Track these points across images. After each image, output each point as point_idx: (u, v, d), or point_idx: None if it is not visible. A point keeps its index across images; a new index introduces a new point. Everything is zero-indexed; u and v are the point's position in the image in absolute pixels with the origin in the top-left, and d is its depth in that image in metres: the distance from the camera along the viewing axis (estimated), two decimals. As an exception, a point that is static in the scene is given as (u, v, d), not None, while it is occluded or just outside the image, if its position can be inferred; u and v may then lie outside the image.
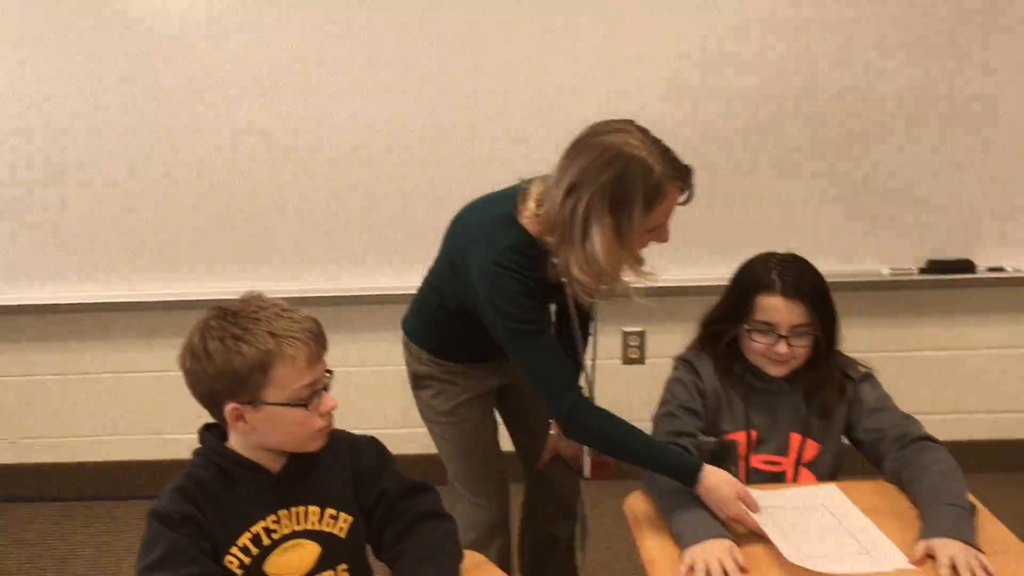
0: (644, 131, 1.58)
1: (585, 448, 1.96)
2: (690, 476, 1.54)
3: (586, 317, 1.99)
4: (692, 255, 2.76)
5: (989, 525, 1.56)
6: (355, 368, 2.90)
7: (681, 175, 1.58)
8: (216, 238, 2.75)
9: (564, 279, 1.65)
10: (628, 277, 1.63)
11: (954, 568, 1.39)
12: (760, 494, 1.63)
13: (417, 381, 1.95)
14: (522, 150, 2.61)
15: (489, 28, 2.58)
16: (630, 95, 2.62)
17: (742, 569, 1.40)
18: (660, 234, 1.62)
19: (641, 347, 2.94)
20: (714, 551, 1.41)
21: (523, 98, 2.63)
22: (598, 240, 1.53)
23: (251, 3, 2.54)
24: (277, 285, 2.72)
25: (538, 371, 1.65)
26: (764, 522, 1.51)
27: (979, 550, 1.43)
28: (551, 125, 2.61)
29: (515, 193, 1.70)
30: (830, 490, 1.66)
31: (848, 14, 2.58)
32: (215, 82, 2.61)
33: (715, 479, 1.54)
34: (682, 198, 1.61)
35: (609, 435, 1.63)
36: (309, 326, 1.35)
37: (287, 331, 1.31)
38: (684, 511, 1.50)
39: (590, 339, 2.03)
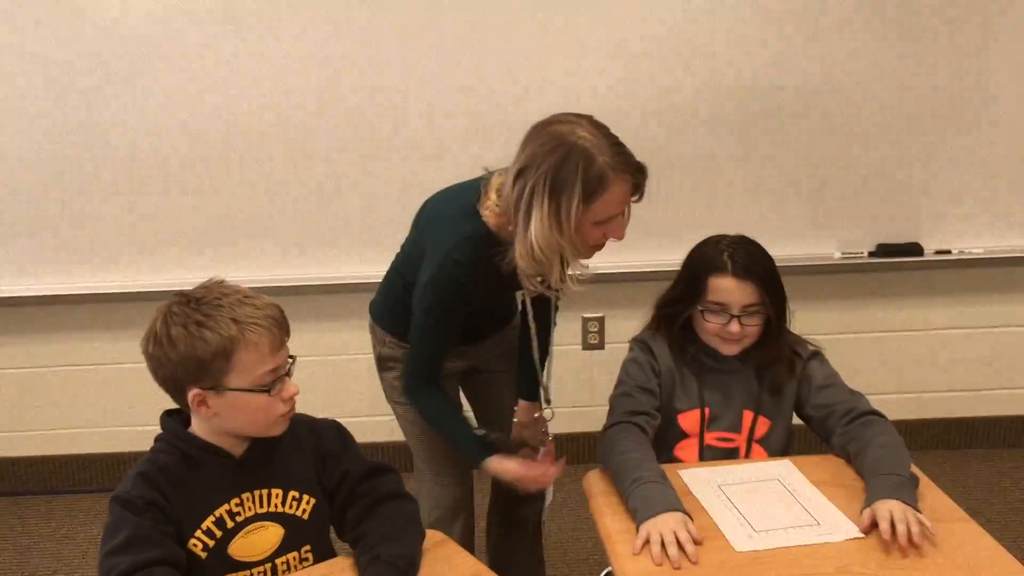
0: (598, 124, 1.61)
1: (540, 456, 2.00)
2: (481, 456, 1.83)
3: (548, 305, 2.00)
4: (649, 241, 2.80)
5: (935, 496, 1.62)
6: (323, 356, 2.92)
7: (630, 170, 1.60)
8: (181, 228, 2.73)
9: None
10: (572, 269, 1.67)
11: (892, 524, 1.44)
12: (717, 470, 1.69)
13: (382, 363, 1.98)
14: (488, 141, 2.63)
15: (458, 21, 2.59)
16: (589, 84, 2.65)
17: (695, 541, 1.45)
18: (613, 229, 1.64)
19: (600, 332, 2.98)
20: (668, 523, 1.45)
21: (491, 90, 2.64)
22: (535, 225, 1.57)
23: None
24: (243, 274, 2.72)
25: (417, 350, 1.81)
26: (716, 507, 1.56)
27: (918, 511, 1.48)
28: (517, 117, 2.64)
29: (479, 183, 1.73)
30: (784, 464, 1.71)
31: (799, 6, 2.63)
32: (181, 71, 2.59)
33: (495, 466, 1.81)
34: (634, 197, 1.65)
35: (434, 419, 1.87)
36: (272, 312, 1.37)
37: (250, 317, 1.33)
38: (639, 486, 1.54)
39: (553, 328, 2.06)
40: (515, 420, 2.04)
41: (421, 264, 1.76)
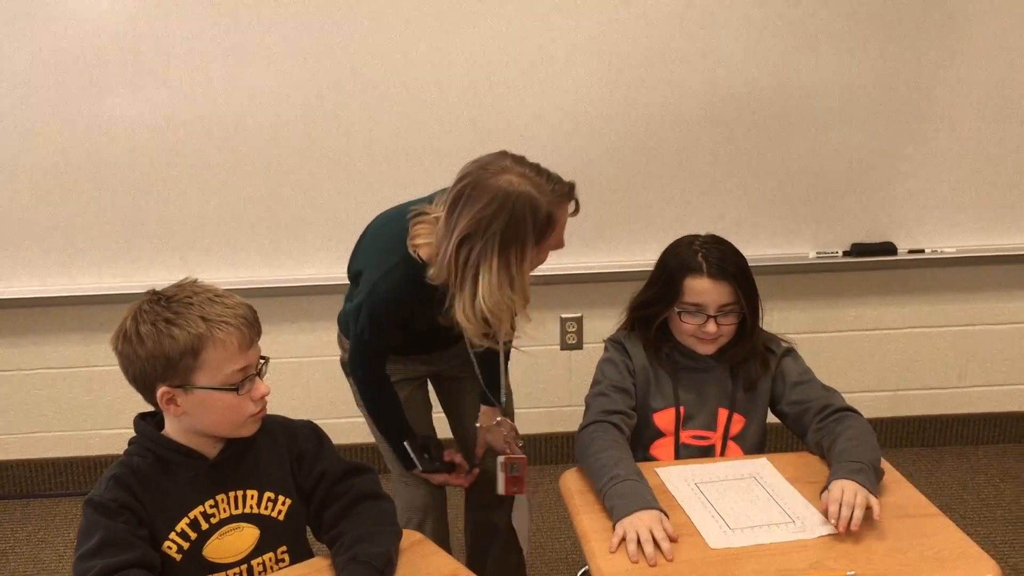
0: (521, 161, 1.63)
1: (499, 465, 2.01)
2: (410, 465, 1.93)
3: None
4: (625, 240, 2.82)
5: (906, 491, 1.64)
6: (300, 358, 2.91)
7: (568, 197, 1.63)
8: (156, 231, 2.72)
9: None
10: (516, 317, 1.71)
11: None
12: (693, 468, 1.70)
13: (346, 369, 1.98)
14: (456, 143, 2.63)
15: (423, 16, 2.60)
16: (569, 84, 2.66)
17: (671, 538, 1.46)
18: (554, 245, 1.69)
19: (579, 332, 2.99)
20: (644, 521, 1.46)
21: (461, 89, 2.65)
22: (484, 288, 1.59)
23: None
24: (220, 275, 2.70)
25: (358, 359, 1.87)
26: (692, 504, 1.57)
27: (871, 491, 1.50)
28: (487, 116, 2.67)
29: (414, 213, 1.75)
30: (760, 462, 1.72)
31: (773, 11, 2.65)
32: (157, 73, 2.58)
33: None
34: (571, 210, 1.68)
35: (375, 411, 1.92)
36: (242, 312, 1.37)
37: (219, 316, 1.33)
38: (615, 485, 1.55)
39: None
40: (477, 425, 2.05)
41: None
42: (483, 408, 2.05)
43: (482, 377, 1.98)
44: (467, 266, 1.60)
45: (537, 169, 1.62)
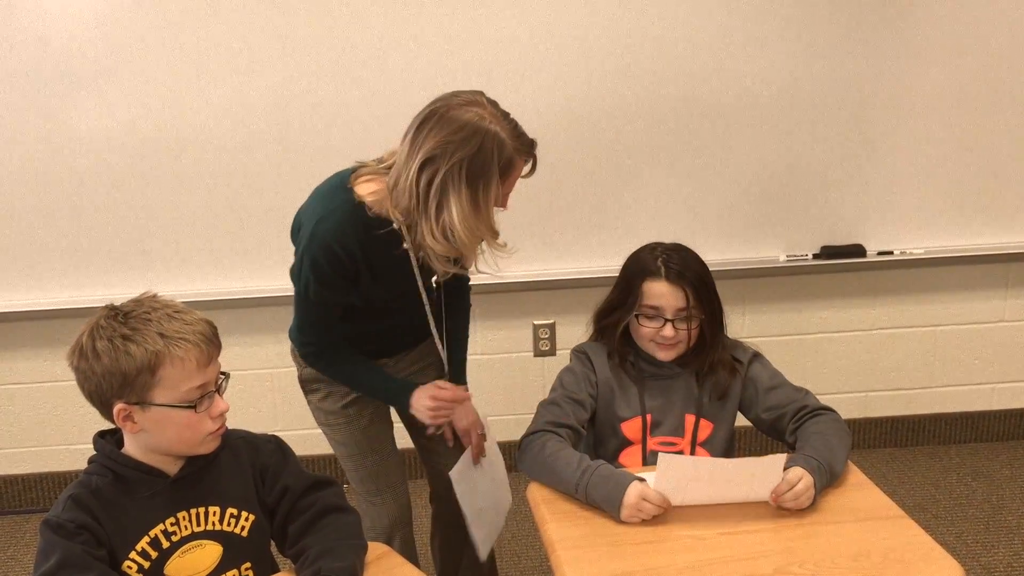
0: (494, 104, 1.63)
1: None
2: (405, 397, 1.82)
3: (463, 289, 2.00)
4: (597, 247, 2.83)
5: (870, 494, 1.64)
6: (262, 369, 2.89)
7: (529, 148, 1.64)
8: (116, 245, 2.70)
9: (419, 249, 1.69)
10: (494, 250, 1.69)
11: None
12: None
13: (305, 385, 1.95)
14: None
15: (393, 24, 2.59)
16: (540, 89, 2.67)
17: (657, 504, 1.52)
18: (503, 200, 1.67)
19: (552, 339, 2.99)
20: (633, 494, 1.52)
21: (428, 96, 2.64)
22: (455, 212, 1.57)
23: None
24: (179, 287, 2.70)
25: (301, 321, 1.81)
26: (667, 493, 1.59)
27: (812, 489, 1.55)
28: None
29: (351, 170, 1.74)
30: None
31: (740, 13, 2.67)
32: (114, 86, 2.57)
33: (415, 403, 1.83)
34: (526, 170, 1.68)
35: (350, 379, 1.86)
36: (201, 328, 1.35)
37: (178, 332, 1.31)
38: (591, 475, 1.57)
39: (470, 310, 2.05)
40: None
41: None
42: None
43: (447, 354, 1.95)
44: (431, 190, 1.58)
45: (507, 116, 1.62)
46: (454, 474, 1.89)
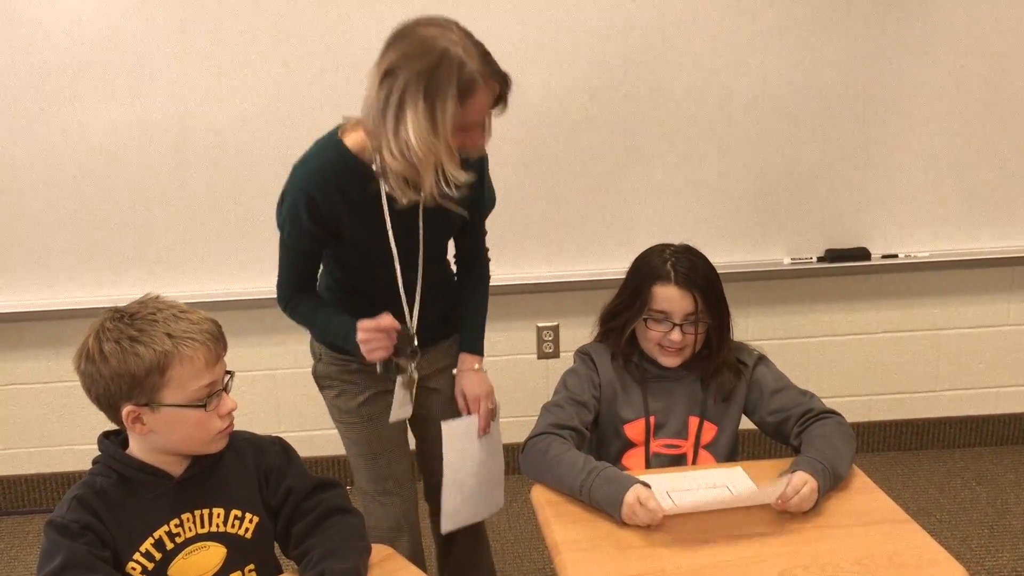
0: (467, 31, 1.60)
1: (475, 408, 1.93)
2: (351, 337, 1.72)
3: (470, 260, 1.97)
4: (601, 249, 2.83)
5: (875, 496, 1.64)
6: (267, 371, 2.89)
7: (496, 77, 1.59)
8: (120, 245, 2.71)
9: (382, 176, 1.67)
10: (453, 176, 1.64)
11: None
12: (666, 477, 1.69)
13: (320, 382, 1.95)
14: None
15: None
16: (543, 90, 2.67)
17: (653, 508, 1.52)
18: (473, 138, 1.63)
19: (555, 341, 2.99)
20: (632, 497, 1.52)
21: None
22: (412, 126, 1.55)
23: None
24: (184, 288, 2.70)
25: (280, 265, 1.83)
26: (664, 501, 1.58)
27: (817, 492, 1.55)
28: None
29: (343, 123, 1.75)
30: (735, 472, 1.71)
31: (742, 16, 2.67)
32: (109, 83, 2.57)
33: (361, 327, 1.71)
34: (497, 109, 1.64)
35: (309, 322, 1.85)
36: (207, 327, 1.35)
37: (185, 332, 1.32)
38: (596, 475, 1.57)
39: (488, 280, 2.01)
40: (454, 371, 1.96)
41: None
42: (462, 355, 1.94)
43: (465, 322, 1.94)
44: (389, 101, 1.56)
45: (476, 43, 1.59)
46: (447, 425, 1.85)
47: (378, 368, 1.78)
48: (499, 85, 1.60)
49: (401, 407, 1.86)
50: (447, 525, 1.93)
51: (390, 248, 1.76)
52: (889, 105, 2.78)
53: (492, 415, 1.92)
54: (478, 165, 1.80)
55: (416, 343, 1.79)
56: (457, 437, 1.88)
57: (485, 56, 1.58)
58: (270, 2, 2.56)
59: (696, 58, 2.69)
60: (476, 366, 1.93)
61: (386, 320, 1.70)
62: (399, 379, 1.82)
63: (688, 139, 2.76)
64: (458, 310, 1.96)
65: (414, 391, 1.86)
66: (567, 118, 2.72)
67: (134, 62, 2.57)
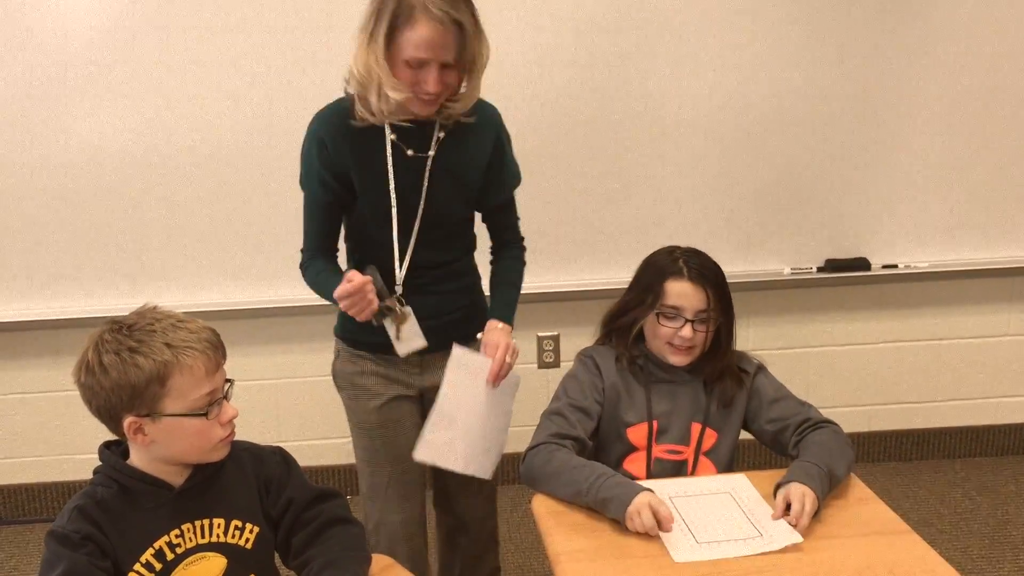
0: None
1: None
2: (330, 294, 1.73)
3: (505, 244, 1.97)
4: (601, 259, 2.83)
5: (875, 507, 1.64)
6: (268, 380, 2.90)
7: (441, 17, 1.60)
8: (122, 255, 2.71)
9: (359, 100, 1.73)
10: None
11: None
12: (670, 483, 1.69)
13: (337, 382, 1.95)
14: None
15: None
16: (541, 99, 2.68)
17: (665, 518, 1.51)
18: (423, 75, 1.65)
19: (556, 351, 2.99)
20: (644, 500, 1.51)
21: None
22: (357, 47, 1.67)
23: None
24: (182, 298, 2.71)
25: (304, 227, 1.87)
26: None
27: (819, 498, 1.55)
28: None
29: None
30: (737, 478, 1.72)
31: (746, 28, 2.68)
32: (114, 93, 2.58)
33: (346, 278, 1.71)
34: (448, 56, 1.65)
35: (313, 284, 1.84)
36: (206, 336, 1.36)
37: (184, 341, 1.32)
38: (605, 480, 1.57)
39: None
40: (479, 336, 1.90)
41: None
42: (489, 321, 1.88)
43: (495, 293, 1.92)
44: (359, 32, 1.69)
45: None
46: (458, 349, 1.79)
47: (374, 322, 1.76)
48: (443, 23, 1.61)
49: (407, 341, 1.81)
50: (420, 453, 1.81)
51: (390, 202, 1.77)
52: (889, 115, 2.79)
53: (507, 369, 1.84)
54: (493, 136, 1.83)
55: (393, 293, 1.79)
56: (464, 367, 1.81)
57: (452, 2, 1.61)
58: (267, 13, 2.57)
59: (694, 71, 2.70)
60: (500, 326, 1.87)
61: (356, 280, 1.68)
62: (386, 321, 1.78)
63: (687, 151, 2.77)
64: (494, 279, 1.95)
65: (411, 324, 1.80)
66: (566, 129, 2.72)
67: (132, 72, 2.58)
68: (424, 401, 1.91)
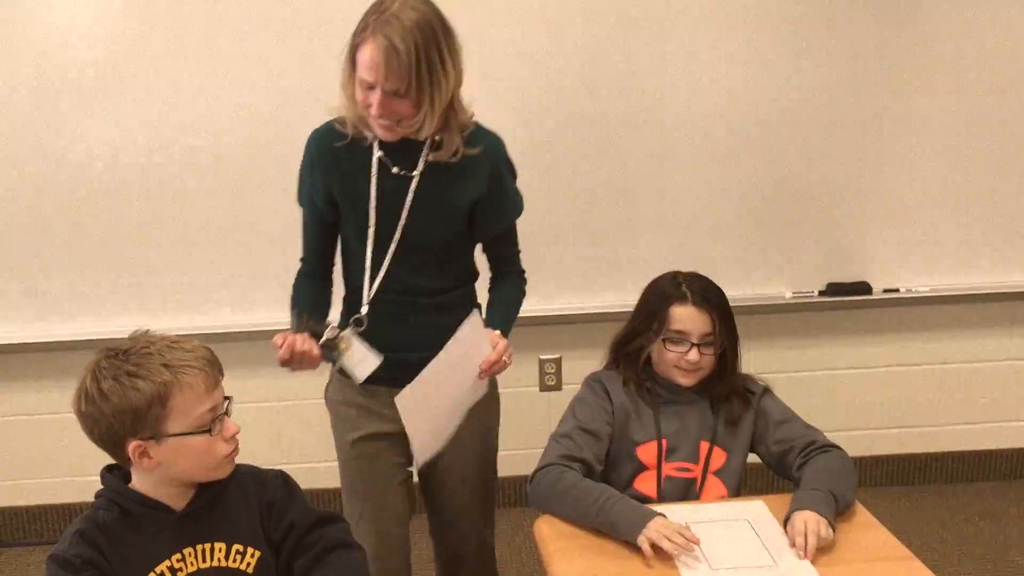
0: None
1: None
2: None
3: (503, 276, 1.93)
4: (603, 282, 2.84)
5: (878, 533, 1.64)
6: (269, 403, 2.90)
7: (378, 41, 1.58)
8: (122, 277, 2.72)
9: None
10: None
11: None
12: (685, 507, 1.69)
13: (327, 405, 1.95)
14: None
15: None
16: (541, 119, 2.70)
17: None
18: (369, 99, 1.64)
19: (558, 374, 2.99)
20: (661, 523, 1.52)
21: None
22: (344, 58, 1.69)
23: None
24: (184, 321, 2.71)
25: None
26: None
27: (831, 522, 1.55)
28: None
29: None
30: (757, 506, 1.71)
31: (744, 45, 2.70)
32: (111, 112, 2.60)
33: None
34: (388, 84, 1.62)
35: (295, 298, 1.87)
36: (202, 353, 1.37)
37: (182, 361, 1.33)
38: (615, 503, 1.57)
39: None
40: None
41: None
42: (488, 329, 1.80)
43: (490, 310, 1.86)
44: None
45: (417, 7, 1.62)
46: (476, 318, 1.72)
47: (330, 362, 1.80)
48: (392, 56, 1.58)
49: (360, 365, 1.76)
50: (400, 396, 1.66)
51: (368, 219, 1.76)
52: (893, 141, 2.80)
53: (499, 368, 1.78)
54: (489, 167, 1.78)
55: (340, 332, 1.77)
56: (472, 339, 1.73)
57: (398, 18, 1.58)
58: (268, 29, 2.59)
59: (696, 91, 2.72)
60: (498, 332, 1.80)
61: (283, 345, 1.72)
62: (336, 355, 1.77)
63: (688, 174, 2.78)
64: (494, 292, 1.92)
65: (357, 347, 1.77)
66: (566, 150, 2.74)
67: (129, 85, 2.59)
68: (405, 438, 1.76)
